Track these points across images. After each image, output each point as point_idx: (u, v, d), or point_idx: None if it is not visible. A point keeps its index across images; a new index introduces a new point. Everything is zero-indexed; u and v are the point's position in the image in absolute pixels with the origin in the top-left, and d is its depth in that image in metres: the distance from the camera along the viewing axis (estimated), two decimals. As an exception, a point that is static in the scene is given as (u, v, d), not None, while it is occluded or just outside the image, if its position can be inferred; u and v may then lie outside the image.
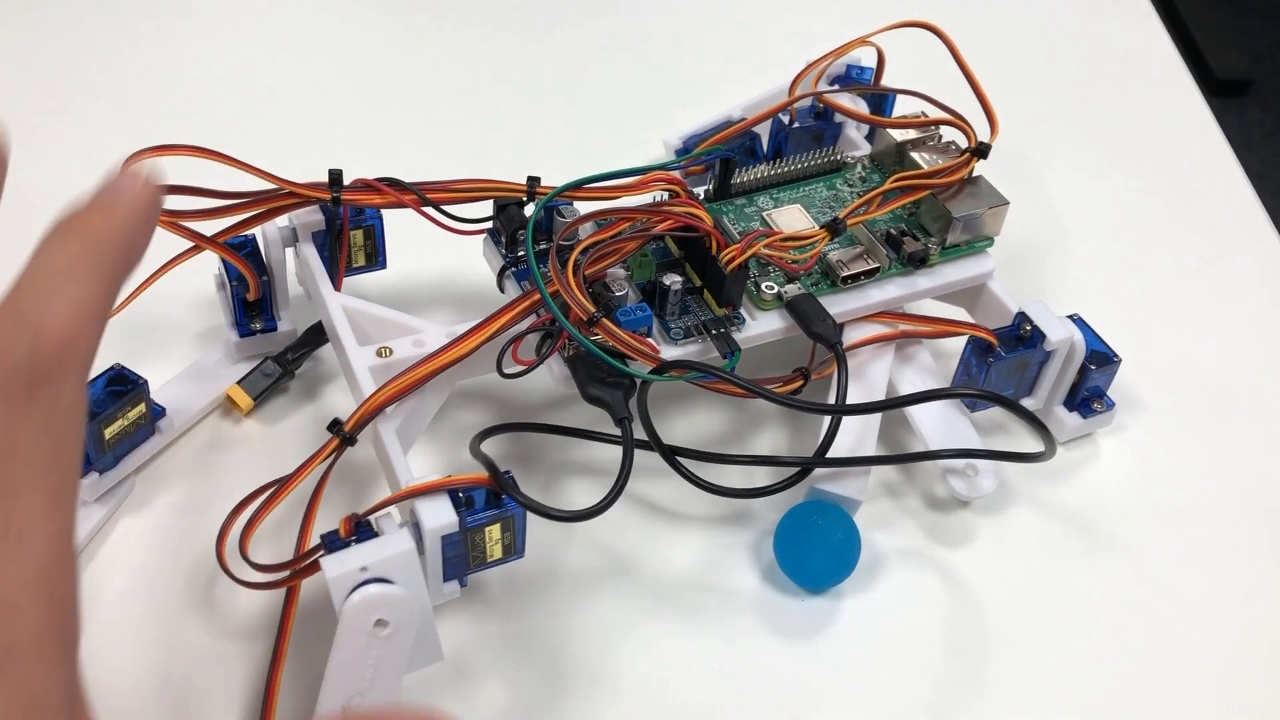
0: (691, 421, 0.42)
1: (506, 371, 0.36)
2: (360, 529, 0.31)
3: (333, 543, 0.30)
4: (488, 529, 0.33)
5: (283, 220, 0.40)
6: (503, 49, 0.60)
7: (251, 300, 0.41)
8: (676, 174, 0.39)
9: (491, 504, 0.33)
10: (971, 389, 0.36)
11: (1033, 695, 0.36)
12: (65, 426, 0.21)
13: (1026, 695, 0.36)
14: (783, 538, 0.37)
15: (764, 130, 0.48)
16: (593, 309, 0.34)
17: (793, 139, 0.47)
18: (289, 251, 0.41)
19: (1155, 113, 0.59)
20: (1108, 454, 0.43)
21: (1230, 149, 0.57)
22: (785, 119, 0.47)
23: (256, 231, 0.40)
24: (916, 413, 0.40)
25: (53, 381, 0.20)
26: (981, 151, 0.41)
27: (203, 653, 0.35)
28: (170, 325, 0.44)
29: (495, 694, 0.35)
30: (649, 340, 0.36)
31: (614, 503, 0.32)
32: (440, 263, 0.45)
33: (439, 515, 0.31)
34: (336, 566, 0.28)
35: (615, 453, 0.39)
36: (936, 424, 0.40)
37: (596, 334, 0.35)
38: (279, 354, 0.42)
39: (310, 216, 0.40)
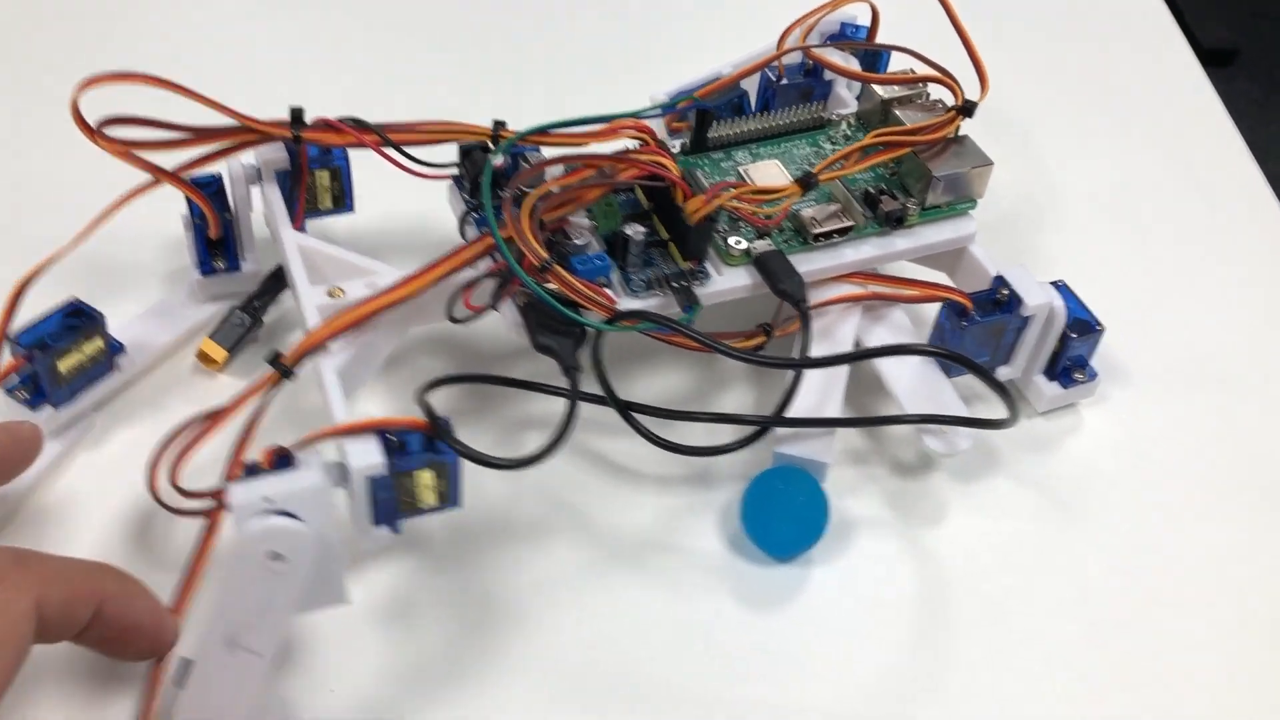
0: (656, 379, 0.41)
1: (456, 317, 0.35)
2: (282, 461, 0.30)
3: (249, 472, 0.30)
4: (419, 474, 0.32)
5: (248, 158, 0.40)
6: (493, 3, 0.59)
7: (215, 239, 0.40)
8: (646, 122, 0.38)
9: (427, 450, 0.32)
10: (932, 346, 0.34)
11: (1005, 666, 0.35)
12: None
13: (998, 666, 0.35)
14: (749, 504, 0.36)
15: (754, 88, 0.47)
16: (545, 255, 0.33)
17: (780, 96, 0.46)
18: (255, 191, 0.40)
19: (1149, 75, 0.58)
20: (1091, 425, 0.41)
21: (1225, 110, 0.55)
22: (773, 75, 0.46)
23: (222, 169, 0.39)
24: (891, 374, 0.39)
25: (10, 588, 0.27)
26: (967, 110, 0.40)
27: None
28: (139, 267, 0.43)
29: (429, 644, 0.34)
30: (606, 290, 0.35)
31: (552, 453, 0.31)
32: (414, 208, 0.45)
33: (366, 455, 0.31)
34: (241, 494, 0.28)
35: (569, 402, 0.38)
36: (912, 384, 0.38)
37: (549, 281, 0.34)
38: (244, 302, 0.41)
39: (275, 154, 0.39)
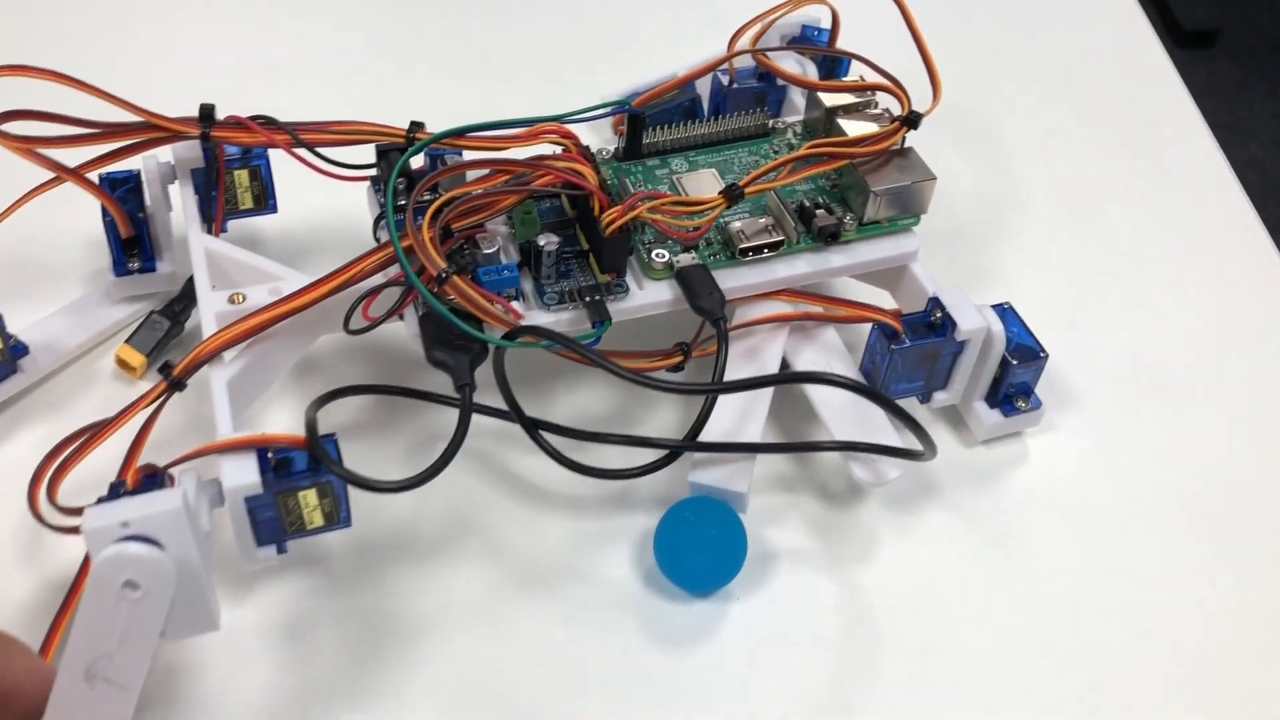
0: (579, 396, 0.39)
1: (353, 328, 0.33)
2: (149, 481, 0.29)
3: (113, 492, 0.28)
4: (302, 494, 0.30)
5: (165, 155, 0.38)
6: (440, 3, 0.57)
7: (126, 238, 0.39)
8: (570, 127, 0.37)
9: (312, 468, 0.30)
10: (835, 376, 0.32)
11: (938, 711, 0.33)
12: None
13: (931, 711, 0.33)
14: (661, 538, 0.34)
15: (707, 91, 0.45)
16: (443, 265, 0.32)
17: (732, 100, 0.44)
18: (174, 191, 0.39)
19: (1116, 69, 0.56)
20: (1036, 454, 0.39)
21: (1194, 105, 0.53)
22: (725, 79, 0.44)
23: (140, 167, 0.38)
24: (818, 395, 0.37)
25: None
26: (912, 121, 0.38)
27: (25, 603, 0.34)
28: (61, 266, 0.42)
29: (323, 668, 0.33)
30: (512, 304, 0.34)
31: (436, 475, 0.30)
32: (346, 208, 0.43)
33: (242, 474, 0.29)
34: (96, 519, 0.26)
35: (491, 420, 0.37)
36: (840, 408, 0.36)
37: (448, 293, 0.32)
38: (165, 305, 0.40)
39: (190, 153, 0.38)
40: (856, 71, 0.43)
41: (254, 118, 0.36)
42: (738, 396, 0.36)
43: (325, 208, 0.43)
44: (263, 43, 0.53)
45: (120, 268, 0.39)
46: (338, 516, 0.32)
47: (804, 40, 0.47)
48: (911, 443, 0.35)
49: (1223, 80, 1.55)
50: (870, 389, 0.32)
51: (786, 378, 0.34)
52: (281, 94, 0.50)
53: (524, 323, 0.34)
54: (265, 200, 0.40)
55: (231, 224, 0.41)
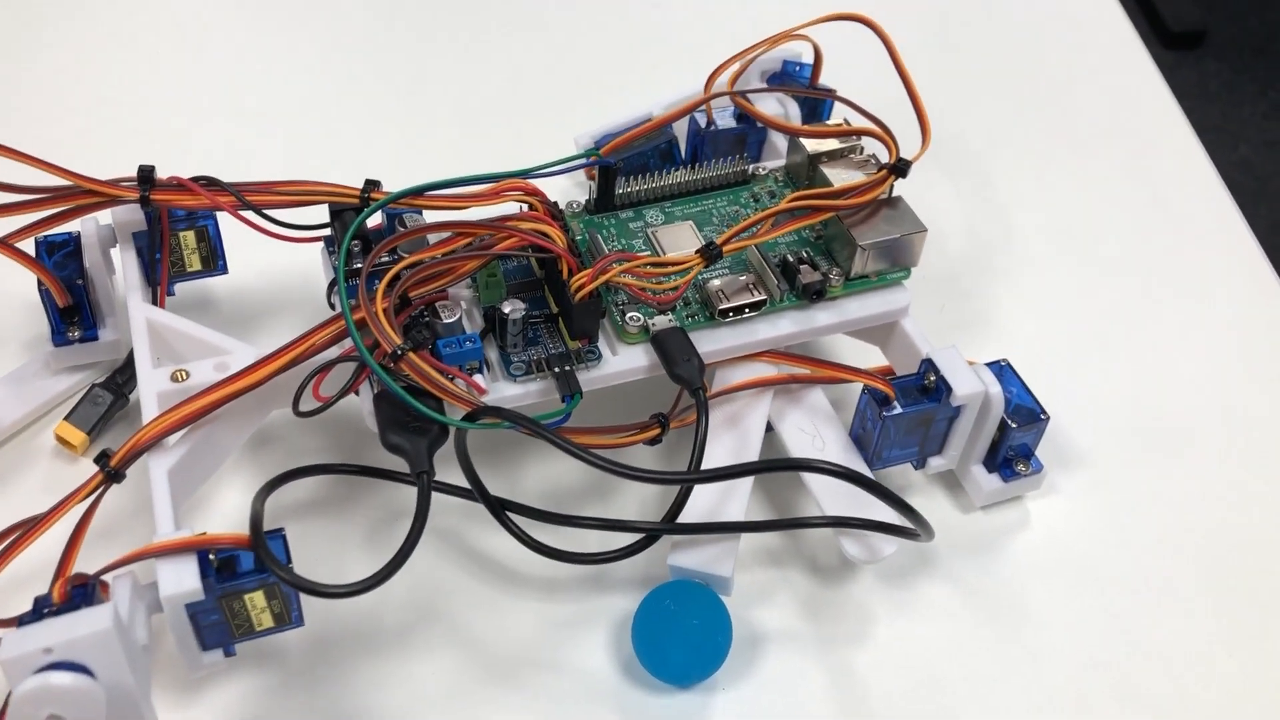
0: (551, 467, 0.37)
1: (303, 409, 0.31)
2: (79, 594, 0.27)
3: (37, 610, 0.26)
4: (248, 596, 0.28)
5: (105, 217, 0.36)
6: (391, 35, 0.55)
7: (65, 306, 0.36)
8: (536, 184, 0.34)
9: (258, 569, 0.28)
10: (825, 463, 0.30)
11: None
12: None
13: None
14: (640, 627, 0.32)
15: (684, 134, 0.43)
16: (398, 341, 0.29)
17: (711, 142, 0.42)
18: (117, 254, 0.37)
19: (1106, 86, 0.53)
20: (1037, 519, 0.37)
21: (1189, 126, 0.51)
22: (703, 120, 0.42)
23: (78, 230, 0.36)
24: (807, 467, 0.34)
25: None
26: (900, 169, 0.35)
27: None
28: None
29: (276, 777, 0.30)
30: (475, 377, 0.31)
31: (390, 576, 0.27)
32: (304, 266, 0.41)
33: (179, 580, 0.27)
34: (14, 646, 0.24)
35: (450, 498, 0.34)
36: (833, 480, 0.34)
37: (404, 370, 0.30)
38: (108, 378, 0.37)
39: (130, 216, 0.36)
40: (840, 113, 0.41)
41: (196, 179, 0.34)
42: (722, 459, 0.34)
43: (282, 265, 0.40)
44: (215, 93, 0.50)
45: (59, 337, 0.37)
46: (289, 617, 0.29)
47: (786, 77, 0.45)
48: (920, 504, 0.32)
49: (1211, 81, 1.54)
50: (860, 477, 0.30)
51: (770, 465, 0.32)
52: (235, 147, 0.47)
53: (488, 397, 0.31)
54: (214, 261, 0.38)
55: (181, 286, 0.39)
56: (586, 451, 0.28)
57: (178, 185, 0.34)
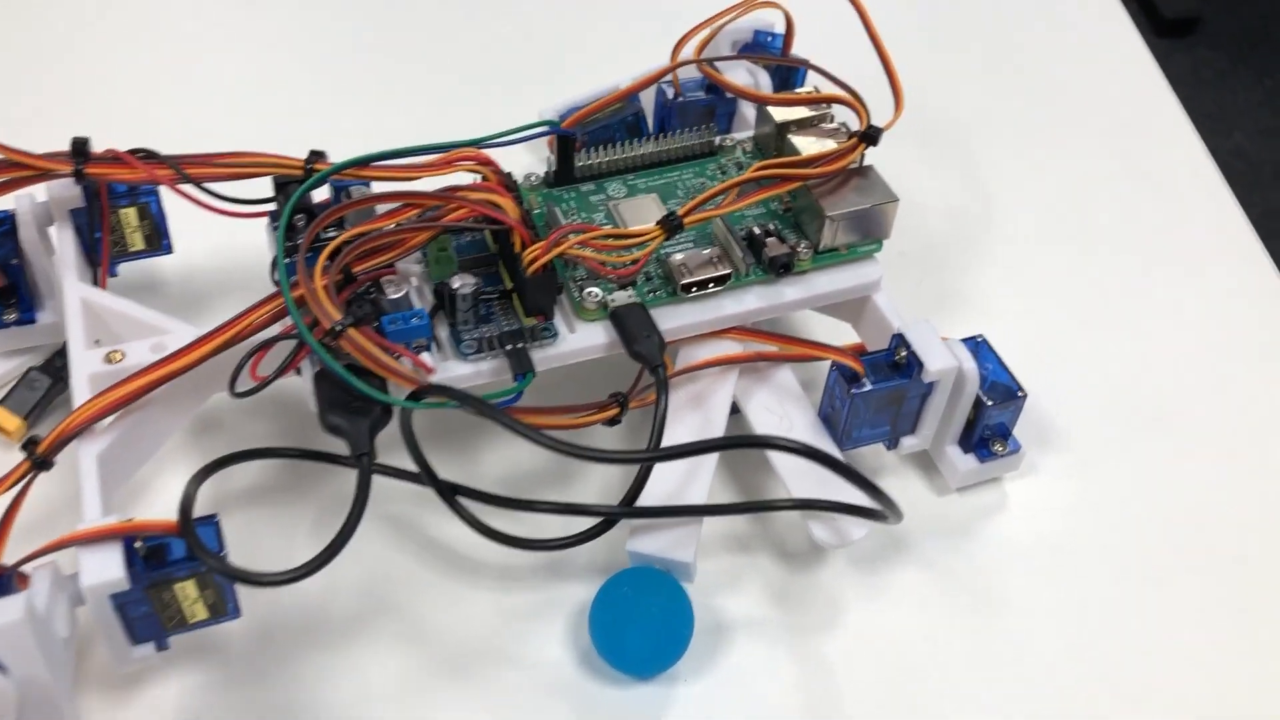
0: (509, 450, 0.35)
1: (238, 390, 0.29)
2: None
3: (-54, 605, 0.25)
4: (179, 586, 0.27)
5: (41, 195, 0.34)
6: (354, 6, 0.53)
7: (0, 288, 0.35)
8: (487, 153, 0.33)
9: (189, 557, 0.27)
10: (788, 441, 0.29)
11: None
12: None
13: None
14: (597, 616, 0.30)
15: (651, 105, 0.42)
16: (337, 317, 0.28)
17: (678, 114, 0.41)
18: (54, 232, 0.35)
19: (1094, 64, 0.52)
20: (1015, 501, 0.35)
21: (1179, 105, 0.49)
22: (670, 92, 0.40)
23: (14, 208, 0.34)
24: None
25: None
26: (870, 137, 0.34)
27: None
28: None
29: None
30: (422, 356, 0.30)
31: (326, 563, 0.26)
32: (252, 244, 0.39)
33: (102, 569, 0.25)
34: (-83, 642, 0.22)
35: (403, 484, 0.33)
36: (800, 460, 0.33)
37: (345, 348, 0.28)
38: (46, 361, 0.36)
39: (66, 192, 0.34)
40: (812, 82, 0.39)
41: (133, 151, 0.33)
42: (682, 436, 0.32)
43: (233, 243, 0.39)
44: (172, 69, 0.49)
45: (-4, 319, 0.36)
46: (224, 609, 0.28)
47: (756, 46, 0.44)
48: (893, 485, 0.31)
49: (1204, 69, 1.54)
50: (823, 455, 0.28)
51: (730, 442, 0.31)
52: (193, 125, 0.46)
53: (437, 377, 0.30)
54: (159, 240, 0.36)
55: (126, 267, 0.37)
56: (536, 432, 0.27)
57: (113, 158, 0.32)
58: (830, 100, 0.36)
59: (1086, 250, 0.43)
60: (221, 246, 0.39)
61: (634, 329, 0.31)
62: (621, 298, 0.32)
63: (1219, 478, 0.36)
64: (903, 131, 0.35)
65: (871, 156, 0.35)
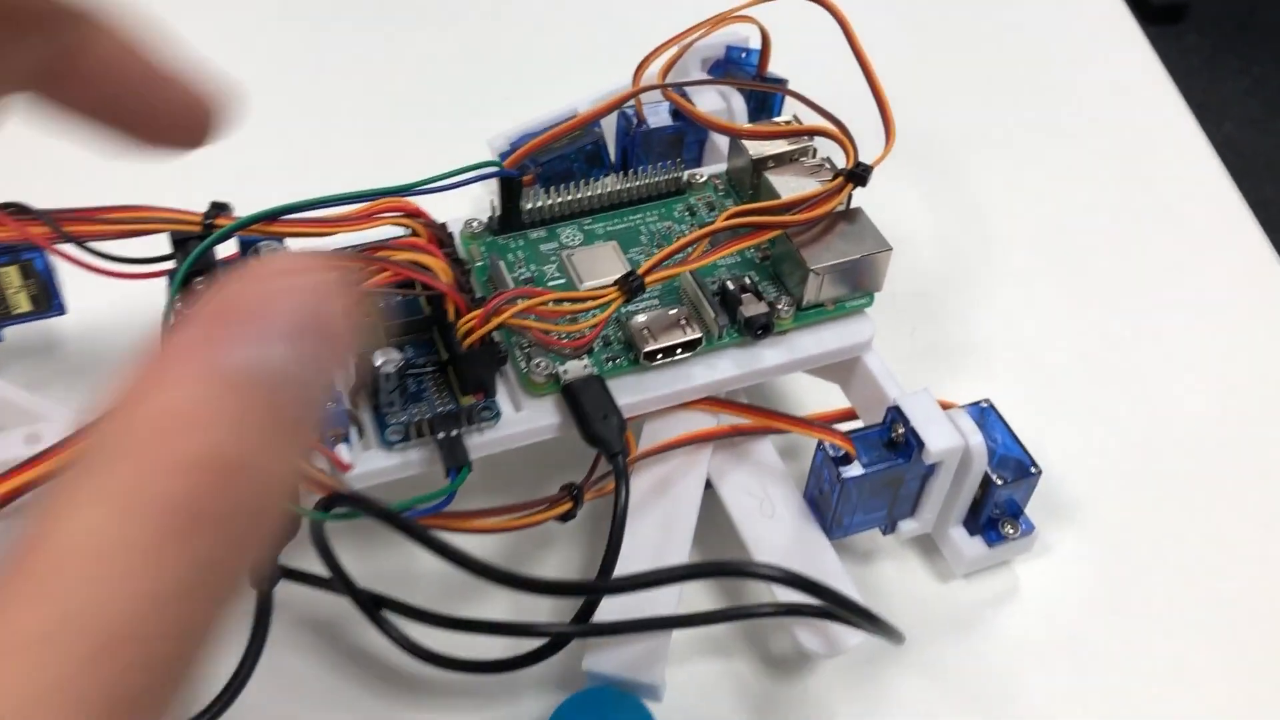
0: (459, 539, 0.31)
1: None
2: None
3: None
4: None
5: (-93, 254, 0.30)
6: (282, 25, 0.48)
7: None
8: (415, 203, 0.28)
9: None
10: (768, 568, 0.24)
11: None
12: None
13: None
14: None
15: (613, 133, 0.37)
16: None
17: (643, 144, 0.36)
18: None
19: (1095, 78, 0.47)
20: (1027, 587, 0.31)
21: (1194, 119, 0.45)
22: (633, 119, 0.36)
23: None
24: (753, 535, 0.29)
25: None
26: (859, 176, 0.30)
27: None
28: None
29: None
30: (338, 449, 0.25)
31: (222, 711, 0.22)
32: (156, 305, 0.35)
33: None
34: None
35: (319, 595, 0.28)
36: (785, 547, 0.29)
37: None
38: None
39: (-66, 251, 0.30)
40: (792, 107, 0.35)
41: (3, 206, 0.28)
42: (652, 528, 0.28)
43: (136, 302, 0.34)
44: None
45: None
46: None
47: (729, 63, 0.39)
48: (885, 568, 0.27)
49: (1192, 56, 1.52)
50: (814, 584, 0.24)
51: (697, 571, 0.27)
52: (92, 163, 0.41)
53: (356, 471, 0.26)
54: (47, 300, 0.32)
55: (13, 330, 0.33)
56: (463, 555, 0.22)
57: (-23, 214, 0.28)
58: (812, 132, 0.31)
59: (1090, 286, 0.39)
60: (123, 304, 0.34)
61: (589, 408, 0.27)
62: (575, 369, 0.28)
63: (1257, 548, 0.32)
64: (899, 143, 0.31)
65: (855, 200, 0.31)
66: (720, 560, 0.27)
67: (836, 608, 0.24)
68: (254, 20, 0.48)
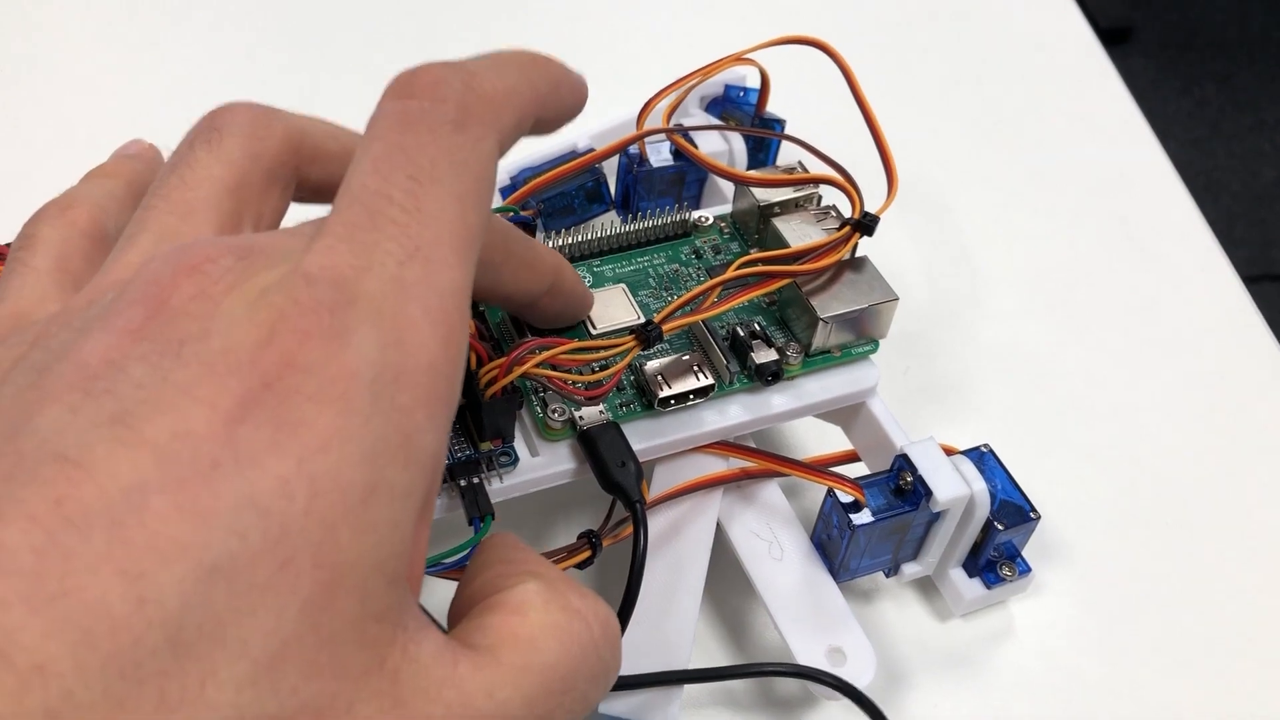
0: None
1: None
2: None
3: None
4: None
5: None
6: (290, 57, 0.48)
7: None
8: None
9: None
10: (778, 667, 0.25)
11: None
12: (478, 180, 0.18)
13: None
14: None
15: (614, 171, 0.38)
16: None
17: (644, 183, 0.37)
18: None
19: (1074, 113, 0.49)
20: (1022, 626, 0.32)
21: (1167, 158, 0.47)
22: (636, 159, 0.36)
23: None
24: (762, 577, 0.29)
25: (476, 127, 0.18)
26: (865, 226, 0.30)
27: None
28: None
29: None
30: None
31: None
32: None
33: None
34: None
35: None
36: (794, 592, 0.29)
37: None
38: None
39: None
40: (791, 152, 0.35)
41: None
42: (662, 576, 0.28)
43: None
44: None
45: None
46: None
47: (727, 102, 0.40)
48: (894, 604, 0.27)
49: (1137, 78, 1.56)
50: (830, 679, 0.25)
51: (717, 674, 0.27)
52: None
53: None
54: None
55: None
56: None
57: (-8, 254, 0.28)
58: (818, 180, 0.32)
59: (1073, 323, 0.40)
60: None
61: (606, 455, 0.27)
62: (591, 414, 0.28)
63: (1244, 582, 0.34)
64: (880, 192, 0.32)
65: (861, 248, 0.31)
66: (797, 665, 0.27)
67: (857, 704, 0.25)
68: (251, 62, 0.48)
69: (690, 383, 0.29)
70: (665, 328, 0.28)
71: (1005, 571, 0.31)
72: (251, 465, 0.14)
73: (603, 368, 0.28)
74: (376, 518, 0.15)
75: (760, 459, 0.30)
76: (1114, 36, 1.61)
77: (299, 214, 0.21)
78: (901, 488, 0.29)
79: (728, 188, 0.37)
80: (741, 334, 0.30)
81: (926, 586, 0.32)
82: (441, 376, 0.16)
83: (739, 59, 0.36)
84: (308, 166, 0.22)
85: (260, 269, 0.16)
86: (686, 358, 0.29)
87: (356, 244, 0.16)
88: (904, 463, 0.29)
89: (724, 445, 0.30)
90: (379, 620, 0.15)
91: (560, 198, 0.37)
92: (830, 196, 0.33)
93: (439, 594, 0.25)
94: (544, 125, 0.22)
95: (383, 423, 0.15)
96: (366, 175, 0.17)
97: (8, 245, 0.28)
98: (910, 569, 0.30)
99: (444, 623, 0.19)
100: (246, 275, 0.16)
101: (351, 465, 0.15)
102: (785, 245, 0.31)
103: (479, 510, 0.26)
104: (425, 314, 0.16)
